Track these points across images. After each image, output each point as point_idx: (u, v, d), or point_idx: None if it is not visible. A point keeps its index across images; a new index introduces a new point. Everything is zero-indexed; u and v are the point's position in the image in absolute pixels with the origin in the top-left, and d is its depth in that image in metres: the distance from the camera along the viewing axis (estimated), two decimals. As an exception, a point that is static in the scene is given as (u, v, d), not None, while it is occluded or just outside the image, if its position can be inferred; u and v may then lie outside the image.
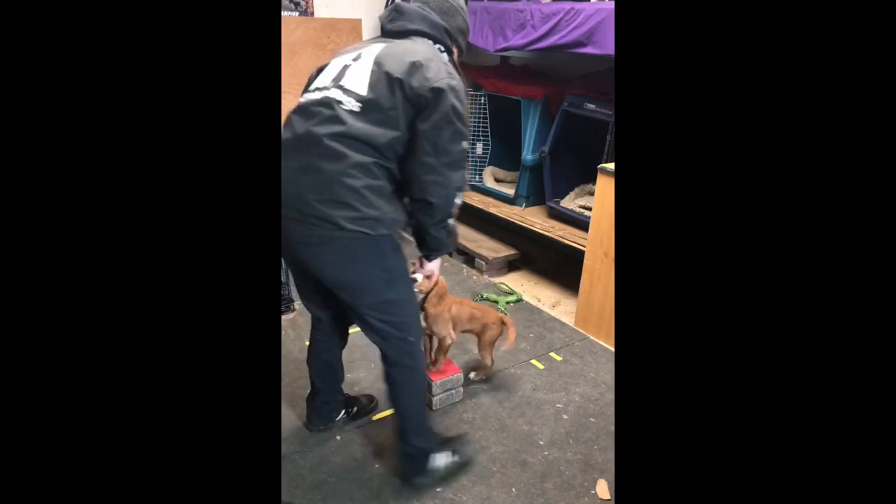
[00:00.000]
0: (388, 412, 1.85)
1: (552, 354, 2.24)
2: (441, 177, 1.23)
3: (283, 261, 1.47)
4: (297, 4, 3.50)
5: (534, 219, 2.85)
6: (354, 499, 1.52)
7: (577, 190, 2.87)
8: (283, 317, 2.42)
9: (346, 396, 1.80)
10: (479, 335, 1.95)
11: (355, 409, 1.82)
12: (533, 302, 2.69)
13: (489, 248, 3.06)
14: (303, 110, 1.26)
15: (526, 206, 3.00)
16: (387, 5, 3.67)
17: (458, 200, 1.29)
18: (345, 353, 2.34)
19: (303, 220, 1.22)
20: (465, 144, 1.24)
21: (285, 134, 1.26)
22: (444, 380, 1.86)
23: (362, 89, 1.21)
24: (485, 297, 2.68)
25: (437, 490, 1.55)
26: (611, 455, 1.69)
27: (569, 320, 2.50)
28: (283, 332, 2.30)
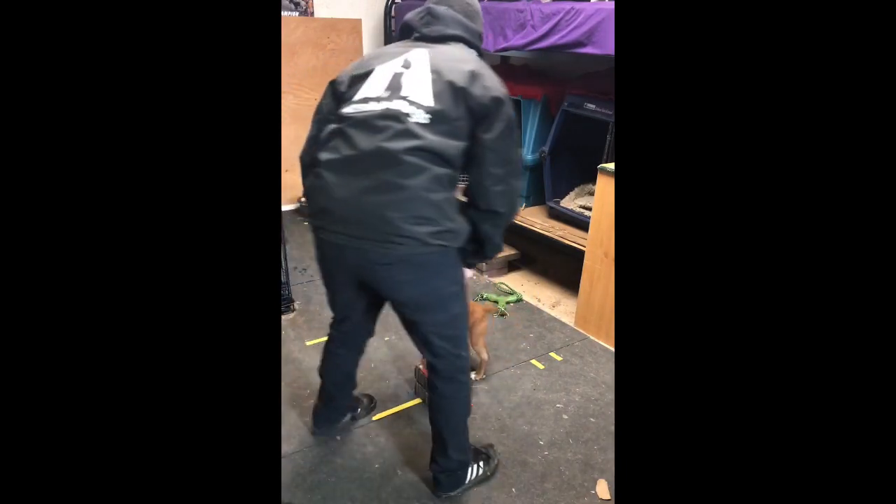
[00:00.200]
0: (389, 412, 1.86)
1: (552, 354, 2.24)
2: (507, 186, 1.23)
3: (331, 279, 1.38)
4: (297, 4, 3.50)
5: (534, 219, 2.85)
6: (354, 499, 1.52)
7: (577, 190, 2.87)
8: (283, 317, 2.42)
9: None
10: (469, 330, 1.95)
11: (358, 409, 1.82)
12: (533, 302, 2.69)
13: (489, 248, 3.06)
14: (363, 124, 1.18)
15: (526, 206, 3.00)
16: (387, 6, 3.67)
17: (519, 207, 1.29)
18: (345, 352, 2.33)
19: (383, 239, 1.17)
20: (520, 152, 1.24)
21: (342, 150, 1.19)
22: (444, 380, 1.86)
23: (428, 100, 1.17)
24: (485, 297, 2.68)
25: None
26: (611, 455, 1.69)
27: (569, 320, 2.51)
28: (283, 332, 2.31)
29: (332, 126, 1.25)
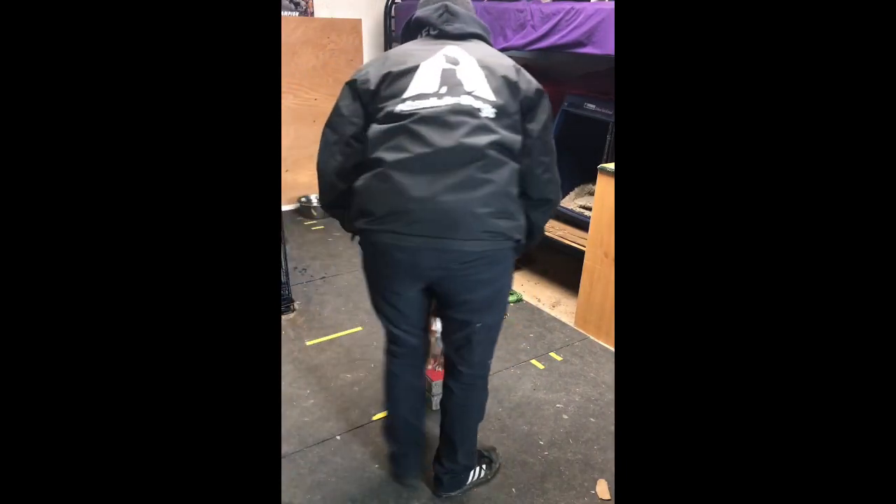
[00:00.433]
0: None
1: (552, 354, 2.24)
2: (554, 174, 1.27)
3: (392, 285, 1.27)
4: (297, 4, 3.50)
5: (534, 219, 2.85)
6: (354, 499, 1.52)
7: (577, 190, 2.87)
8: (283, 317, 2.42)
9: None
10: None
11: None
12: (533, 302, 2.69)
13: (489, 248, 3.06)
14: (433, 120, 1.12)
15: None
16: (387, 6, 3.67)
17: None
18: (345, 352, 2.34)
19: (471, 237, 1.13)
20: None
21: (413, 149, 1.11)
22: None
23: (491, 95, 1.16)
24: (485, 297, 2.68)
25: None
26: (611, 455, 1.69)
27: (569, 320, 2.51)
28: (283, 332, 2.31)
29: (386, 126, 1.15)
